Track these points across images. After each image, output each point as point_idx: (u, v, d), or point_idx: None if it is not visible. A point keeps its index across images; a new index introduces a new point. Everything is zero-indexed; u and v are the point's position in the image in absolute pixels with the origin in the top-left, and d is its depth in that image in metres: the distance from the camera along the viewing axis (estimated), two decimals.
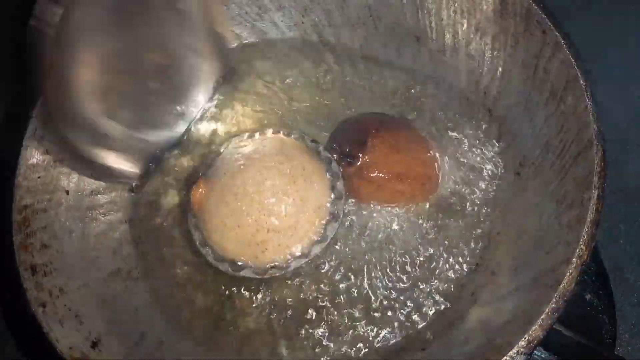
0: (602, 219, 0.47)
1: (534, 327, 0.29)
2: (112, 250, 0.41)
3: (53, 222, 0.38)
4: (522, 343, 0.29)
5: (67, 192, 0.40)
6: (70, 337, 0.34)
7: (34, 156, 0.38)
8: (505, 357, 0.29)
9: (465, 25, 0.41)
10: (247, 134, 0.43)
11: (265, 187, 0.38)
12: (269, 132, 0.43)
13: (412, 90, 0.45)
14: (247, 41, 0.47)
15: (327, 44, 0.47)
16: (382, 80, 0.46)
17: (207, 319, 0.40)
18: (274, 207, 0.38)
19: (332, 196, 0.40)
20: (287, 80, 0.46)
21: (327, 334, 0.39)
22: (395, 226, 0.40)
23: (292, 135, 0.43)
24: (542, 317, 0.29)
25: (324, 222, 0.39)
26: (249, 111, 0.46)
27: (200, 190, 0.40)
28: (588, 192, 0.31)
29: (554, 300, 0.29)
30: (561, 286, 0.29)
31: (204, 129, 0.45)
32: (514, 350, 0.28)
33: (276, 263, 0.38)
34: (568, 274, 0.29)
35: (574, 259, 0.30)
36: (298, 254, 0.39)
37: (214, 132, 0.45)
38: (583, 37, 0.36)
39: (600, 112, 0.35)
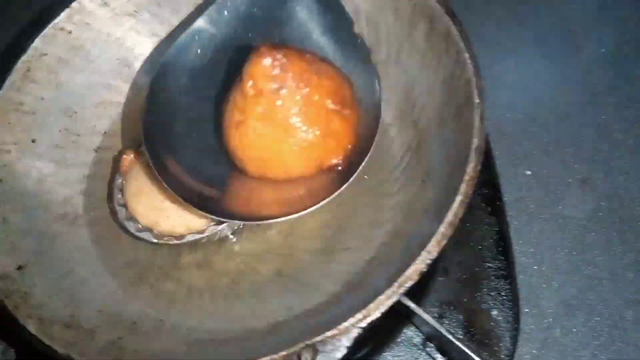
0: (528, 243, 0.50)
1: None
2: (63, 197, 0.46)
3: (16, 163, 0.44)
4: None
5: (34, 141, 0.46)
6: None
7: None
8: None
9: (404, 42, 0.45)
10: None
11: None
12: None
13: None
14: None
15: None
16: None
17: (135, 269, 0.45)
18: None
19: None
20: None
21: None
22: None
23: None
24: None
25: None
26: None
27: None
28: (455, 197, 0.34)
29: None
30: (402, 277, 0.32)
31: None
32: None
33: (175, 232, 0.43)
34: (413, 266, 0.32)
35: (423, 253, 0.33)
36: (195, 230, 0.43)
37: None
38: None
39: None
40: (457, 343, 0.42)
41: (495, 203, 0.50)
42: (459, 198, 0.34)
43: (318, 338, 0.32)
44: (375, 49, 0.47)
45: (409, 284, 0.32)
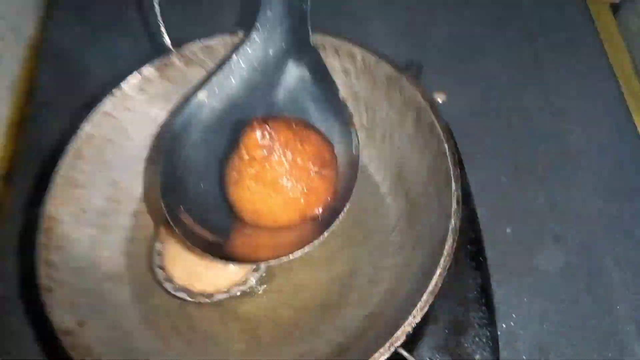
0: (508, 294, 0.58)
1: None
2: (109, 258, 0.55)
3: (70, 232, 0.52)
4: None
5: (84, 211, 0.54)
6: (64, 316, 0.47)
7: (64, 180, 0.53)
8: None
9: (396, 126, 0.53)
10: None
11: None
12: None
13: None
14: None
15: None
16: None
17: (169, 321, 0.53)
18: None
19: None
20: None
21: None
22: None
23: None
24: None
25: (246, 271, 0.52)
26: None
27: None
28: (435, 269, 0.42)
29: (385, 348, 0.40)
30: (392, 337, 0.40)
31: None
32: None
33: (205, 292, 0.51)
34: (402, 328, 0.40)
35: (409, 318, 0.41)
36: (222, 290, 0.51)
37: None
38: None
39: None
40: None
41: (479, 259, 0.58)
42: (438, 271, 0.42)
43: None
44: (372, 129, 0.56)
45: (399, 343, 0.40)
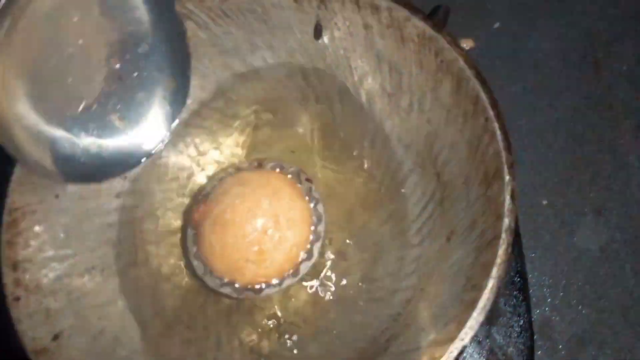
0: (543, 275, 0.51)
1: None
2: (89, 249, 0.47)
3: (39, 223, 0.44)
4: None
5: (57, 196, 0.45)
6: (36, 330, 0.40)
7: None
8: None
9: (428, 93, 0.44)
10: (248, 163, 0.49)
11: (250, 224, 0.44)
12: (268, 166, 0.48)
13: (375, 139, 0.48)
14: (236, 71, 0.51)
15: (310, 85, 0.50)
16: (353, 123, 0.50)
17: (164, 318, 0.46)
18: (255, 242, 0.43)
19: (311, 237, 0.45)
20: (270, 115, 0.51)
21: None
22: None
23: (290, 170, 0.47)
24: None
25: (298, 260, 0.44)
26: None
27: (200, 209, 0.46)
28: (486, 281, 0.35)
29: None
30: None
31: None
32: None
33: (251, 287, 0.44)
34: (447, 353, 0.34)
35: (456, 341, 0.34)
36: (271, 283, 0.44)
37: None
38: None
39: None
40: None
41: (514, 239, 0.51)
42: (491, 282, 0.35)
43: None
44: (395, 95, 0.47)
45: None
